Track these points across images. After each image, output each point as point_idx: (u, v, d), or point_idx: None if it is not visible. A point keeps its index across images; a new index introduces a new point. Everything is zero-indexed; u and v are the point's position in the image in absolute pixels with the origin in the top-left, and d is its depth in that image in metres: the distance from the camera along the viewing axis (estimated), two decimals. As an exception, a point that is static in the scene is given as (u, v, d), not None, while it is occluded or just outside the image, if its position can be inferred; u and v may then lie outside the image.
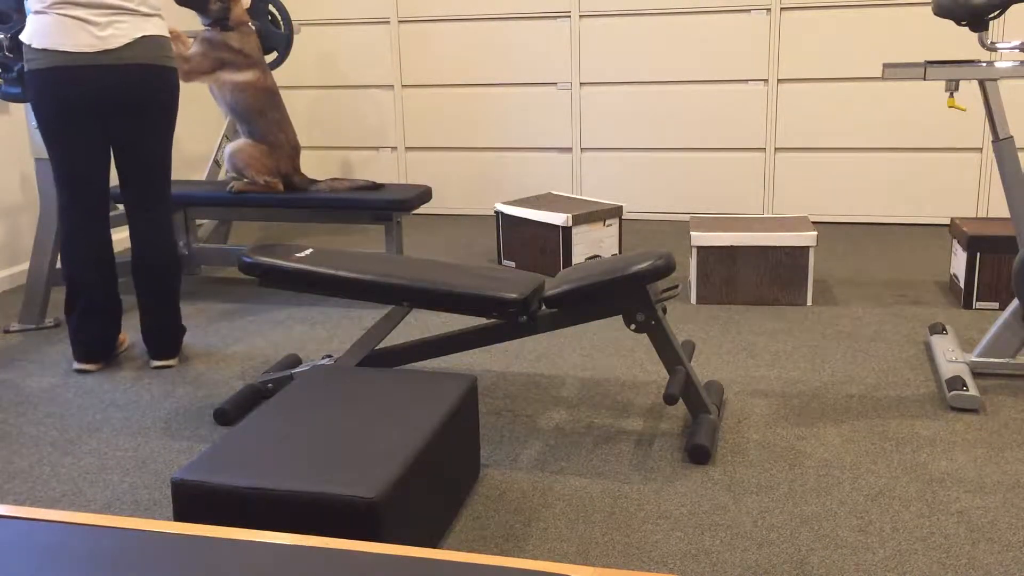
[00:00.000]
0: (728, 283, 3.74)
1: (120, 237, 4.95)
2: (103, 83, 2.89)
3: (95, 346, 3.14)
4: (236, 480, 1.84)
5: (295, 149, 3.98)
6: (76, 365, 3.16)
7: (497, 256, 4.51)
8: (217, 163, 4.63)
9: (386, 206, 3.83)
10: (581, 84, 5.34)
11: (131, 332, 3.55)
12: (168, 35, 3.02)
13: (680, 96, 5.21)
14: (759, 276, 3.71)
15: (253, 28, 3.94)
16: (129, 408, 2.87)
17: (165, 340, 3.17)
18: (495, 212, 4.42)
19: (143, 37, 2.90)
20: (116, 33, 2.87)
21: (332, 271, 2.66)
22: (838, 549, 2.02)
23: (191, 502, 1.86)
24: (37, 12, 2.87)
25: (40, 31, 2.86)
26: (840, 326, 3.47)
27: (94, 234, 3.07)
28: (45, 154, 3.56)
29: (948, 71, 2.72)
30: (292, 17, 5.41)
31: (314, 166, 5.88)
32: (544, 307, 2.63)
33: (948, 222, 5.02)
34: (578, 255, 4.13)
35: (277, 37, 4.51)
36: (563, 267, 4.11)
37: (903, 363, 3.08)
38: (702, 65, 5.15)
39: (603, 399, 2.85)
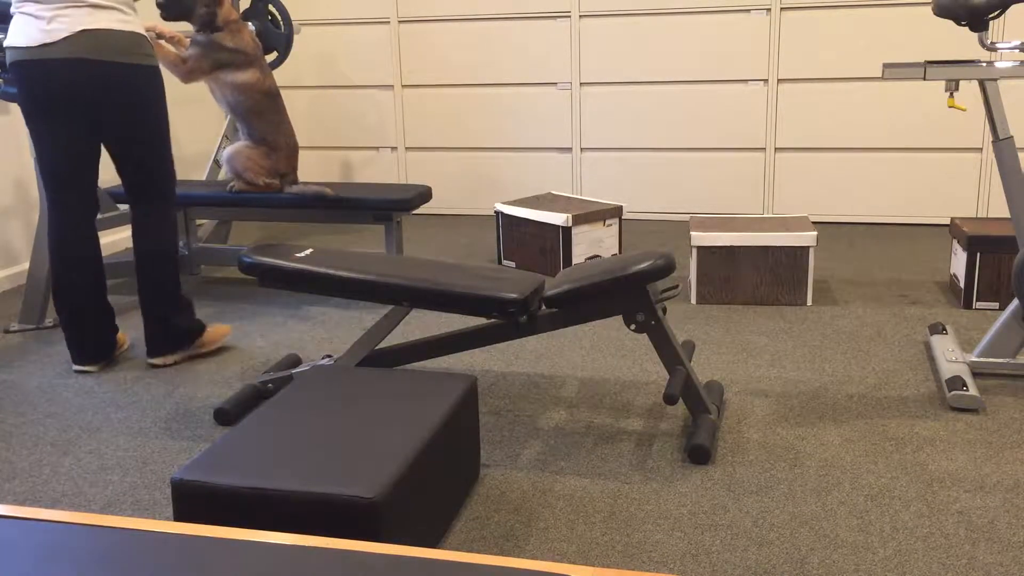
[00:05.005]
0: (728, 283, 3.74)
1: (122, 237, 4.96)
2: (46, 77, 2.86)
3: (89, 347, 3.14)
4: (236, 480, 1.84)
5: (293, 150, 3.98)
6: (75, 366, 3.16)
7: (497, 256, 4.51)
8: (217, 163, 4.63)
9: (386, 206, 3.83)
10: (581, 84, 5.33)
11: (131, 332, 3.55)
12: (129, 29, 2.91)
13: (680, 96, 5.21)
14: (759, 276, 3.71)
15: (250, 26, 3.94)
16: (129, 408, 2.87)
17: (160, 338, 3.16)
18: (495, 212, 4.42)
19: (83, 31, 2.83)
20: (58, 27, 2.83)
21: (332, 271, 2.66)
22: (838, 549, 2.02)
23: (191, 502, 1.86)
24: (12, 14, 2.91)
25: (9, 30, 2.90)
26: (840, 326, 3.47)
27: (76, 233, 3.04)
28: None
29: (948, 71, 2.72)
30: (292, 17, 5.41)
31: (314, 166, 5.88)
32: (544, 307, 2.63)
33: (948, 222, 5.02)
34: (578, 255, 4.13)
35: (277, 37, 4.50)
36: (563, 267, 4.11)
37: (903, 363, 3.08)
38: (702, 65, 5.14)
39: (603, 399, 2.85)
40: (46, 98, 2.89)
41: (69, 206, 3.03)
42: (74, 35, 2.82)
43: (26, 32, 2.85)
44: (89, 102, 2.91)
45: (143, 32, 2.98)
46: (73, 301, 3.08)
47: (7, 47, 2.90)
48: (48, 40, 2.83)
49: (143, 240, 3.10)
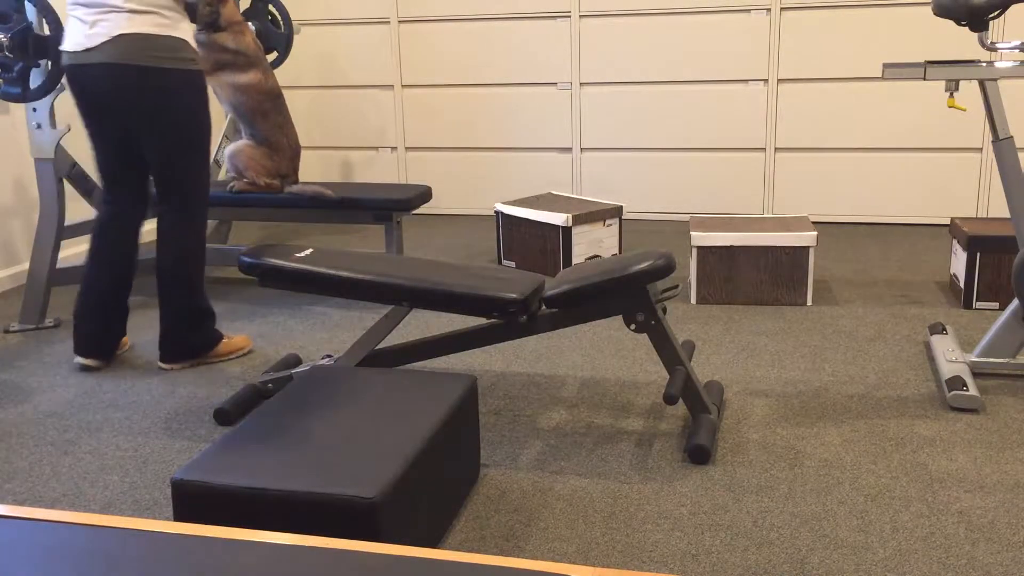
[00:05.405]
0: (728, 283, 3.74)
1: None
2: (88, 81, 2.91)
3: (94, 341, 3.14)
4: (236, 480, 1.84)
5: (295, 152, 3.98)
6: (76, 358, 3.16)
7: (497, 256, 4.51)
8: (217, 163, 4.63)
9: (386, 206, 3.83)
10: (581, 84, 5.33)
11: (132, 333, 3.55)
12: (167, 33, 2.90)
13: (680, 96, 5.21)
14: (759, 276, 3.71)
15: (251, 26, 3.94)
16: (129, 408, 2.87)
17: (168, 346, 3.14)
18: (495, 212, 4.42)
19: (120, 36, 2.84)
20: (99, 32, 2.86)
21: (332, 271, 2.66)
22: (838, 549, 2.02)
23: (191, 502, 1.86)
24: (68, 15, 2.98)
25: (65, 32, 2.97)
26: (840, 326, 3.47)
27: (113, 229, 3.10)
28: (45, 154, 3.57)
29: (948, 71, 2.72)
30: (292, 17, 5.42)
31: (314, 166, 5.88)
32: (544, 307, 2.63)
33: (948, 222, 5.02)
34: (578, 255, 4.13)
35: (277, 37, 4.50)
36: (563, 267, 4.11)
37: (903, 363, 3.08)
38: (702, 65, 5.14)
39: (603, 399, 2.85)
40: (89, 101, 2.96)
41: (113, 203, 3.10)
42: (112, 39, 2.85)
43: (73, 36, 2.91)
44: (124, 105, 2.94)
45: (182, 36, 2.93)
46: (94, 294, 3.10)
47: (61, 50, 2.96)
48: (90, 45, 2.87)
49: (158, 245, 3.10)
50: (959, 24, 2.69)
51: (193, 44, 2.98)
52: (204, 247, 3.14)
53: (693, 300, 3.78)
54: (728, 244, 3.70)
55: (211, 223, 4.55)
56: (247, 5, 4.42)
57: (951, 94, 2.78)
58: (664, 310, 2.63)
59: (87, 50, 2.87)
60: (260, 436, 2.03)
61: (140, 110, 2.94)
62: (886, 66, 2.76)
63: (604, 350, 3.27)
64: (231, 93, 3.82)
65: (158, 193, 3.08)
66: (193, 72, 2.97)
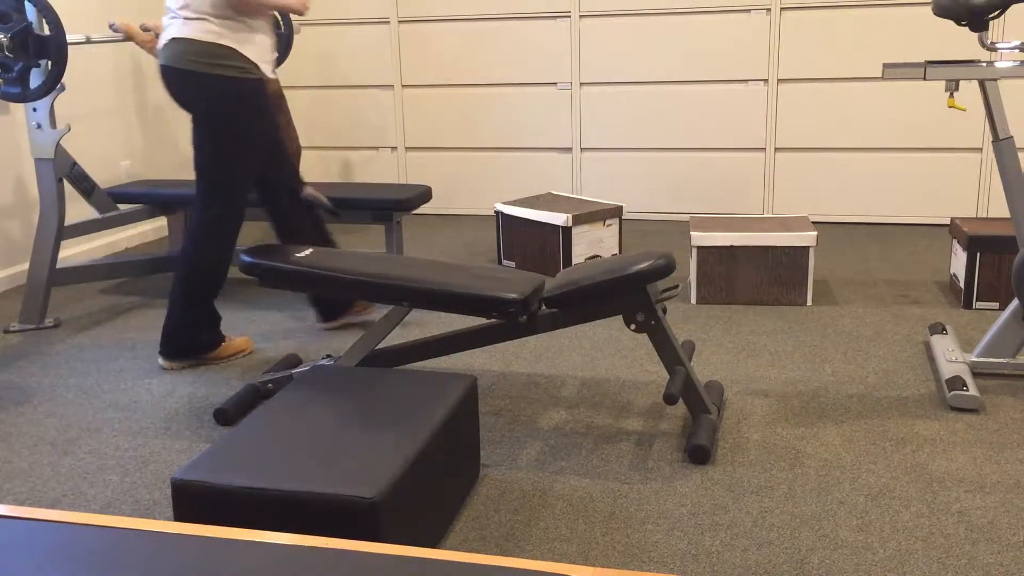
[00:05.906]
0: (728, 283, 3.74)
1: (122, 237, 4.96)
2: (162, 80, 3.04)
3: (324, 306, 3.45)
4: (236, 480, 1.84)
5: (296, 152, 3.98)
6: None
7: (497, 256, 4.51)
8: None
9: (386, 206, 3.83)
10: (581, 84, 5.33)
11: (134, 333, 3.55)
12: (211, 40, 2.89)
13: (680, 96, 5.21)
14: (759, 276, 3.71)
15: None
16: (129, 408, 2.87)
17: (168, 341, 3.14)
18: (495, 212, 4.42)
19: (172, 39, 2.95)
20: (165, 36, 2.98)
21: (332, 271, 2.66)
22: (838, 549, 2.02)
23: (191, 502, 1.86)
24: None
25: None
26: (840, 326, 3.47)
27: (268, 217, 3.36)
28: (44, 154, 3.57)
29: (948, 71, 2.72)
30: (292, 17, 5.41)
31: (314, 166, 5.88)
32: (544, 307, 2.63)
33: (948, 222, 5.02)
34: (578, 255, 4.13)
35: (277, 37, 4.50)
36: (563, 267, 4.11)
37: (903, 363, 3.08)
38: (702, 65, 5.14)
39: (603, 399, 2.85)
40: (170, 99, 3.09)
41: (257, 197, 3.27)
42: (168, 43, 2.96)
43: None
44: (180, 105, 3.05)
45: (231, 44, 2.92)
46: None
47: None
48: (160, 48, 3.00)
49: (182, 242, 3.15)
50: (959, 24, 2.69)
51: (248, 54, 2.96)
52: (224, 253, 3.10)
53: (693, 300, 3.78)
54: (728, 244, 3.70)
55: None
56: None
57: (951, 94, 2.78)
58: (664, 310, 2.63)
59: (161, 52, 3.00)
60: (260, 436, 2.03)
61: (185, 109, 3.04)
62: (886, 66, 2.77)
63: (604, 350, 3.27)
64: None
65: (196, 191, 3.12)
66: (237, 80, 2.95)
